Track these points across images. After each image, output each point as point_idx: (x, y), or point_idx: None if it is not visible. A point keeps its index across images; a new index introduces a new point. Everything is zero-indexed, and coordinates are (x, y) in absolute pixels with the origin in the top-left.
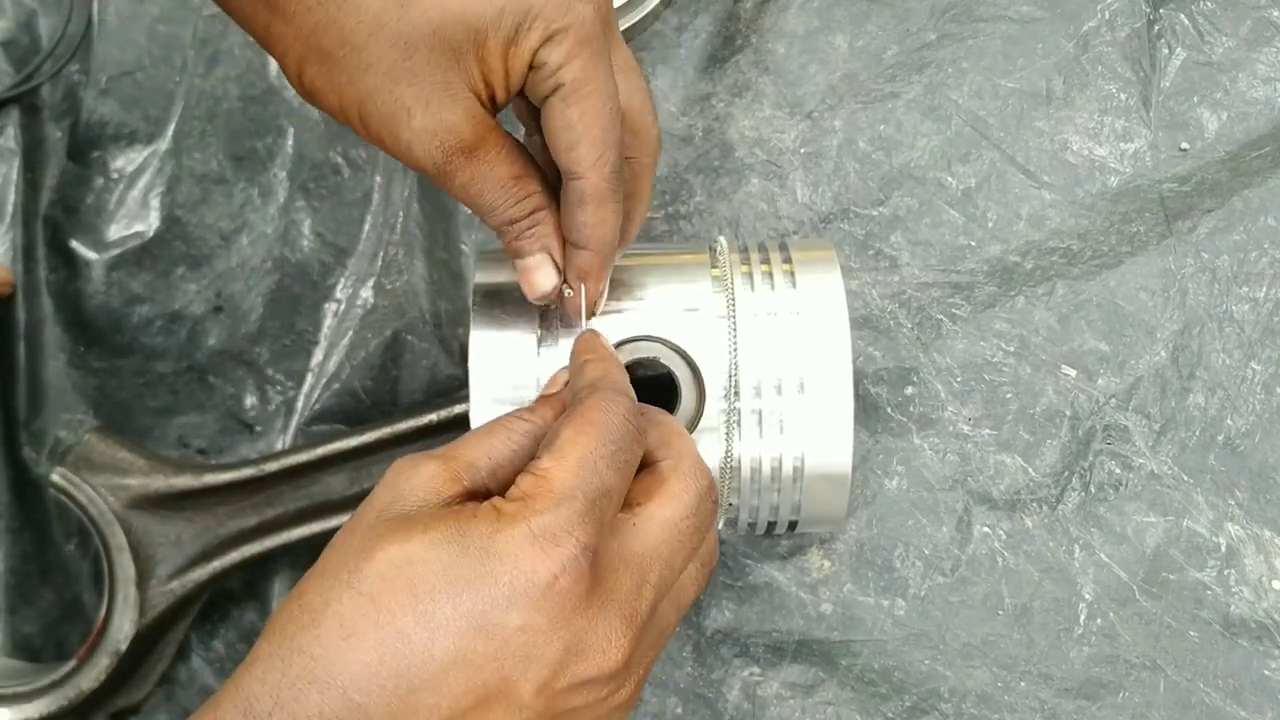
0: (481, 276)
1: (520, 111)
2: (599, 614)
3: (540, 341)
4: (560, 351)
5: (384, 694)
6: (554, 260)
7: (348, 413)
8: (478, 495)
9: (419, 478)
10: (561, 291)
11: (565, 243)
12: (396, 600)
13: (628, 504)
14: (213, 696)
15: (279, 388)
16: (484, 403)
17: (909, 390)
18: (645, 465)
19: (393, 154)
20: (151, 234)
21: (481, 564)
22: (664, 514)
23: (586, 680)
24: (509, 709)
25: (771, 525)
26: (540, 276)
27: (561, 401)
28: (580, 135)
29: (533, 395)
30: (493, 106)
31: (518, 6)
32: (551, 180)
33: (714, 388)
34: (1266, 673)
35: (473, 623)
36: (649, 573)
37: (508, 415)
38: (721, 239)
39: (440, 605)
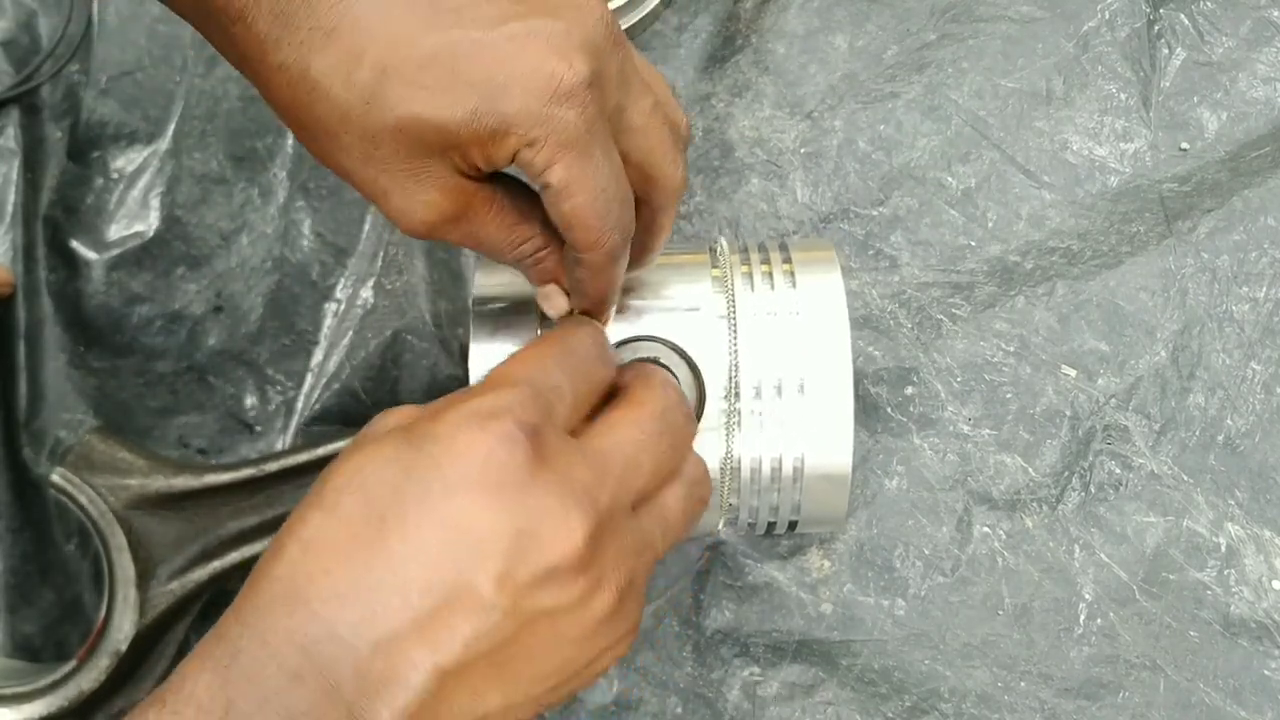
0: (481, 280)
1: None
2: (547, 493)
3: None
4: None
5: (346, 603)
6: (563, 288)
7: (348, 413)
8: None
9: (396, 412)
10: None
11: None
12: (351, 508)
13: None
14: None
15: (279, 388)
16: None
17: (909, 390)
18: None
19: None
20: (151, 234)
21: (421, 452)
22: (626, 415)
23: (548, 569)
24: (474, 607)
25: (771, 525)
26: (550, 305)
27: None
28: (575, 224)
29: None
30: (479, 172)
31: (489, 113)
32: None
33: (714, 388)
34: (1266, 673)
35: (421, 514)
36: (609, 465)
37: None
38: (722, 239)
39: (389, 503)
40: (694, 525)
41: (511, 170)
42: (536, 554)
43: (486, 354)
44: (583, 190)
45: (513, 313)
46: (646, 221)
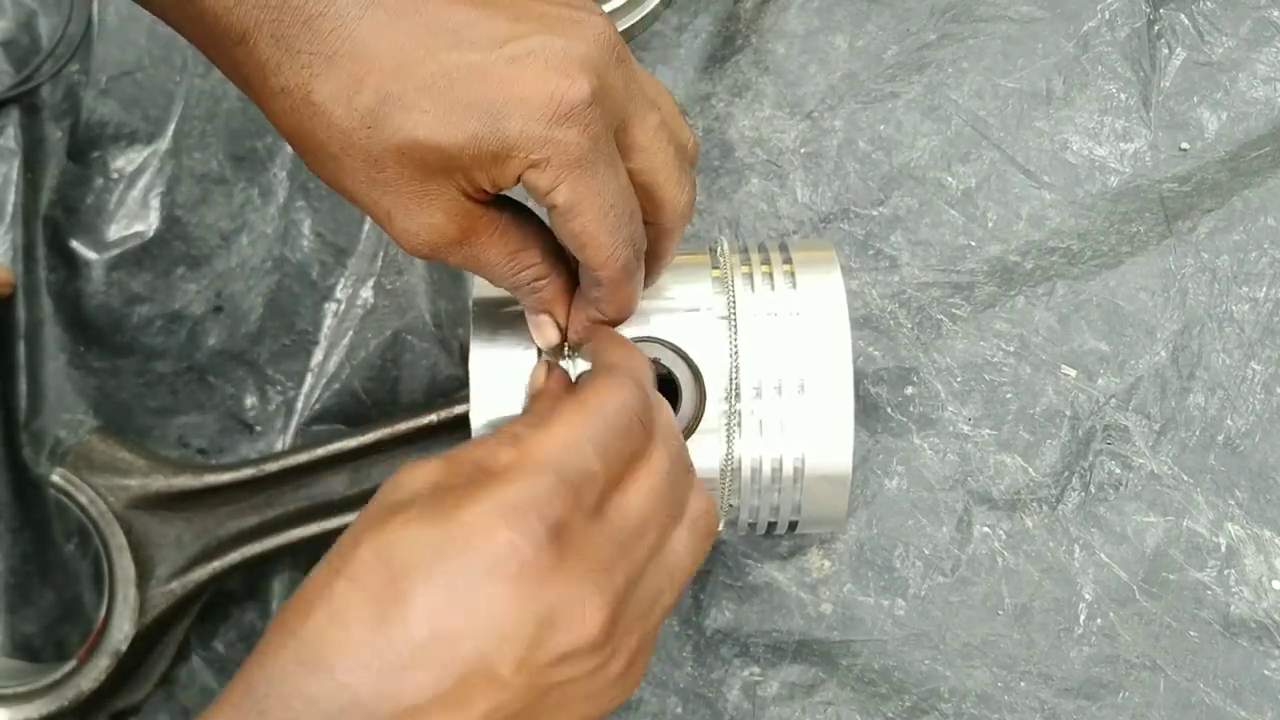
0: (480, 288)
1: None
2: (569, 582)
3: (540, 356)
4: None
5: (370, 674)
6: (555, 321)
7: (348, 413)
8: None
9: (420, 472)
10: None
11: (571, 301)
12: (378, 581)
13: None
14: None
15: (279, 388)
16: (485, 420)
17: (909, 390)
18: None
19: None
20: (151, 234)
21: (453, 536)
22: (641, 483)
23: (566, 653)
24: (491, 686)
25: (772, 525)
26: (541, 335)
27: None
28: (585, 243)
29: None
30: (483, 195)
31: (491, 136)
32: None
33: (714, 388)
34: (1266, 673)
35: (446, 597)
36: (626, 539)
37: (512, 418)
38: (722, 239)
39: (416, 581)
40: (701, 561)
41: (516, 193)
42: (555, 640)
43: (486, 355)
44: (591, 208)
45: (513, 313)
46: (651, 243)
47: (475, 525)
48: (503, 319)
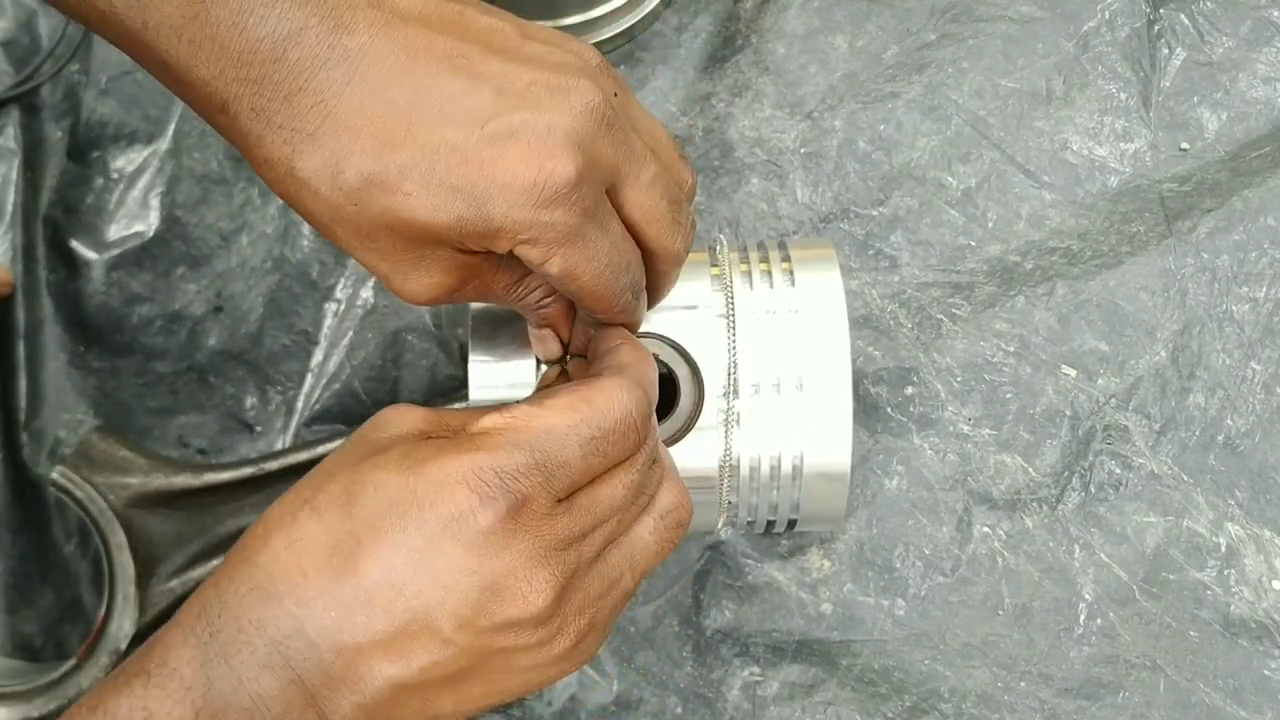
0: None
1: None
2: (518, 556)
3: (538, 366)
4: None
5: (317, 608)
6: (559, 336)
7: (348, 413)
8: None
9: (406, 417)
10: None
11: (574, 317)
12: (339, 519)
13: None
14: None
15: (279, 388)
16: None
17: (909, 390)
18: None
19: None
20: (151, 234)
21: (417, 488)
22: (611, 475)
23: (509, 622)
24: (433, 640)
25: (771, 524)
26: (543, 348)
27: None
28: (584, 298)
29: (533, 377)
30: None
31: (476, 219)
32: None
33: (713, 386)
34: (1266, 673)
35: (399, 547)
36: (587, 524)
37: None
38: (721, 238)
39: (375, 526)
40: (670, 551)
41: None
42: (498, 608)
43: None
44: (585, 272)
45: (512, 320)
46: (647, 279)
47: (440, 482)
48: (502, 323)
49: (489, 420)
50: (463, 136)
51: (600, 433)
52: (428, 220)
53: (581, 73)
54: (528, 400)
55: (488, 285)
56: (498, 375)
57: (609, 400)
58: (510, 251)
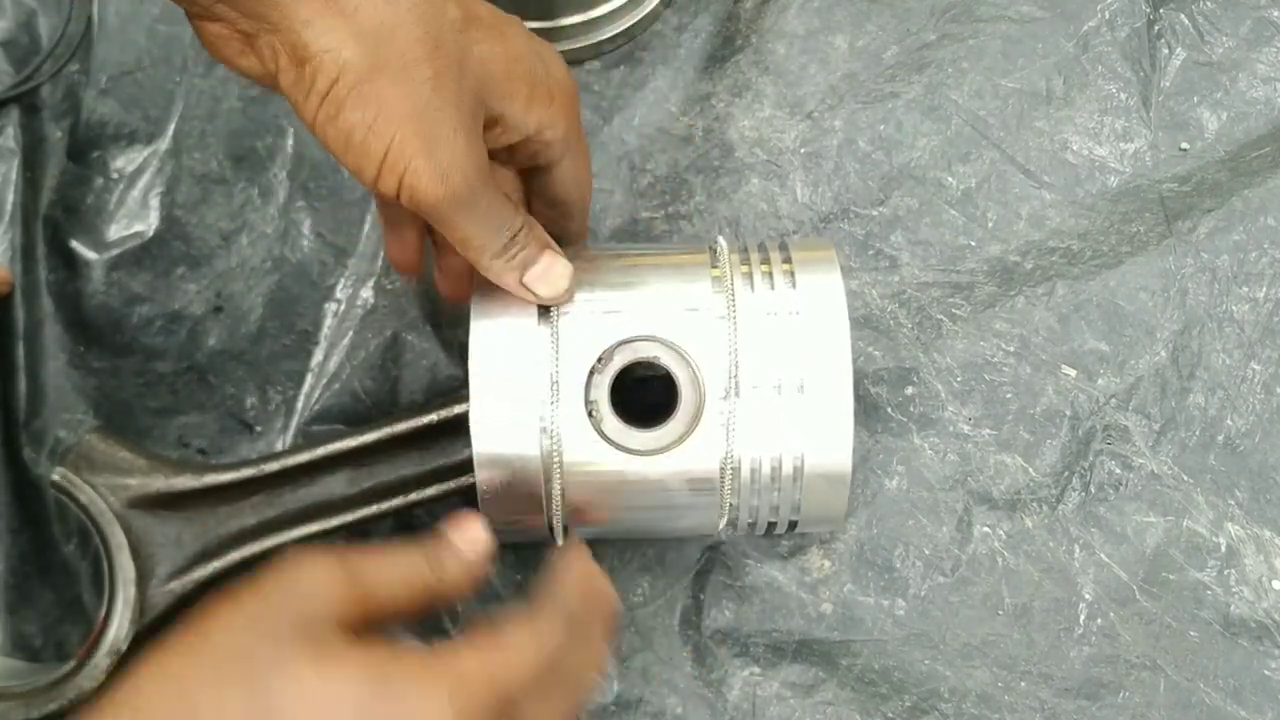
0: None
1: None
2: None
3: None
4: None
5: None
6: (558, 253)
7: (348, 413)
8: (373, 623)
9: (319, 582)
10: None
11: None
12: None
13: None
14: None
15: (279, 388)
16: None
17: (909, 390)
18: None
19: (413, 184)
20: (151, 234)
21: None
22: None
23: None
24: None
25: (771, 525)
26: (556, 274)
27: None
28: (572, 189)
29: (533, 377)
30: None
31: (524, 71)
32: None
33: (714, 387)
34: (1267, 672)
35: None
36: None
37: (411, 550)
38: (721, 239)
39: None
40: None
41: None
42: None
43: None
44: (585, 150)
45: (513, 313)
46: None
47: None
48: (503, 324)
49: (407, 665)
50: None
51: (553, 682)
52: (511, 60)
53: None
54: (448, 644)
55: (493, 196)
56: (498, 377)
57: (570, 654)
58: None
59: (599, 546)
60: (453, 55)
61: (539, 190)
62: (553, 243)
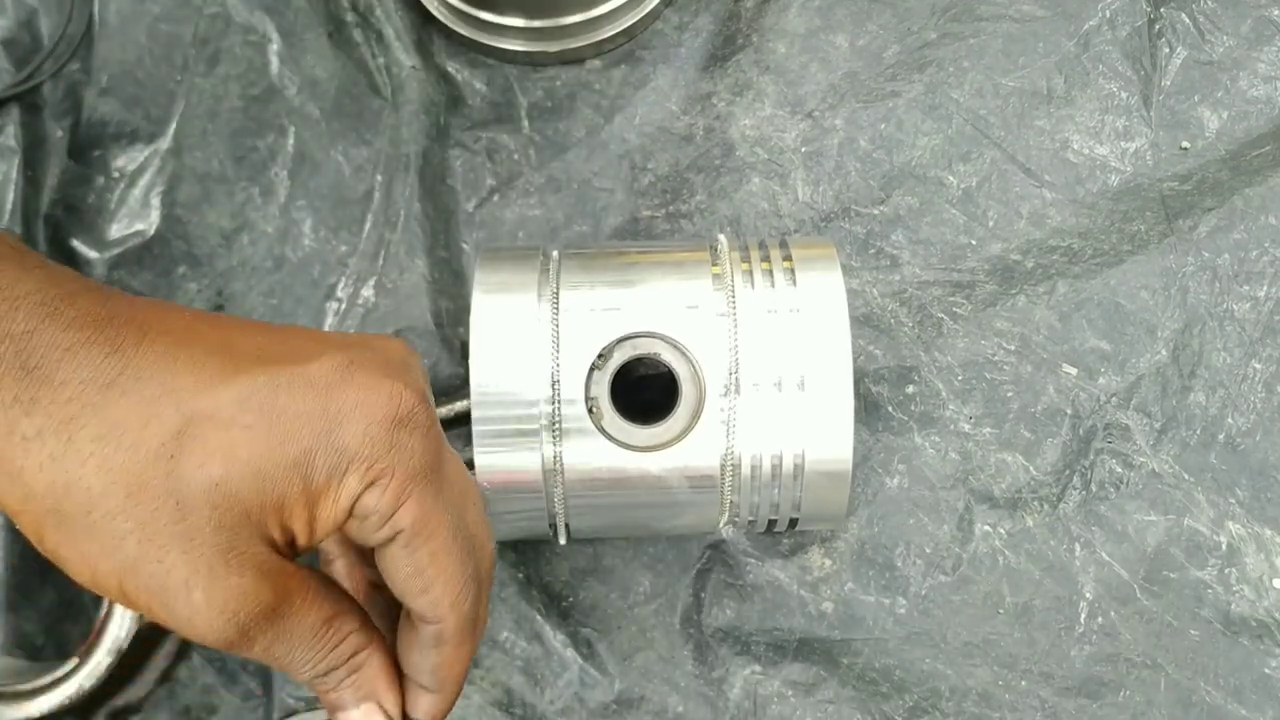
0: (482, 277)
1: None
2: None
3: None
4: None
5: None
6: (384, 710)
7: None
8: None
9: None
10: None
11: (401, 682)
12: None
13: None
14: None
15: None
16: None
17: (910, 389)
18: None
19: (168, 626)
20: (152, 233)
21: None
22: None
23: None
24: None
25: (772, 523)
26: None
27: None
28: (433, 578)
29: (533, 375)
30: (293, 550)
31: (328, 449)
32: (374, 604)
33: (714, 385)
34: (1267, 671)
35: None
36: None
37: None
38: (721, 237)
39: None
40: None
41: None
42: None
43: (487, 358)
44: (441, 528)
45: (516, 312)
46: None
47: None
48: (506, 324)
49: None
50: (299, 370)
51: None
52: (269, 460)
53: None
54: None
55: (299, 618)
56: (499, 375)
57: None
58: (318, 576)
59: (600, 545)
60: (162, 493)
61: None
62: (386, 694)
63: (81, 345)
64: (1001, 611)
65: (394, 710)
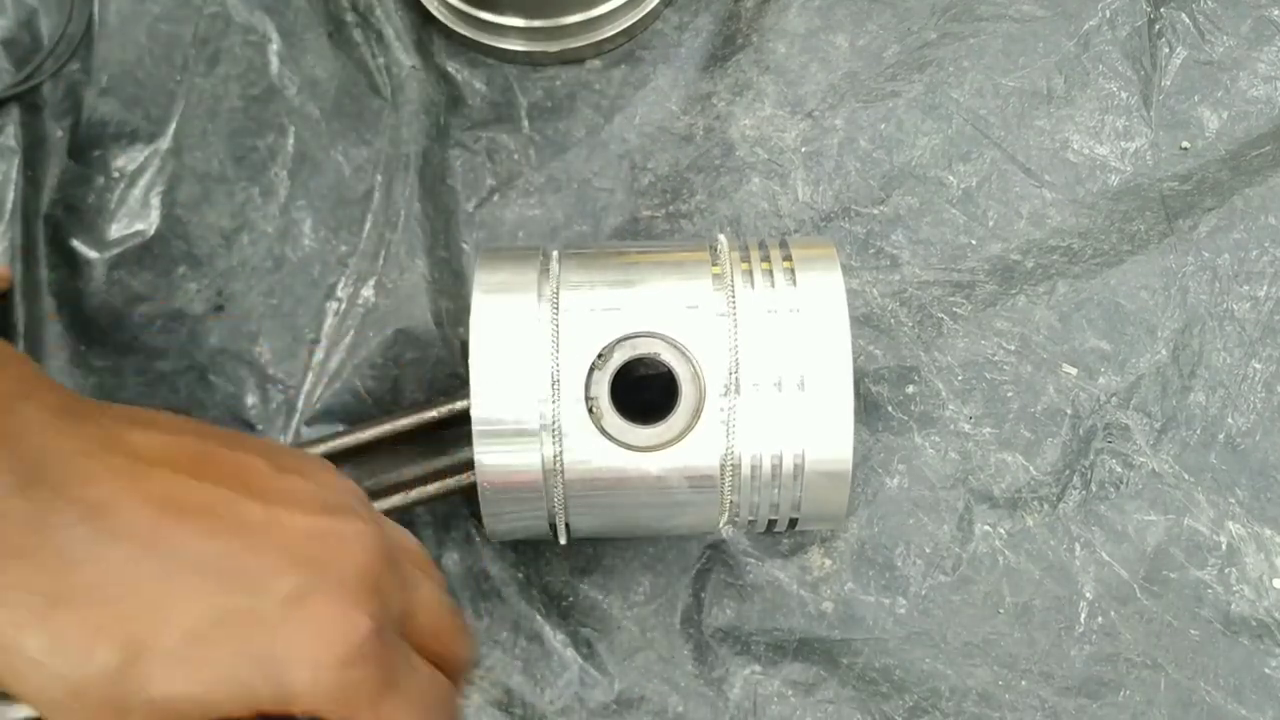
0: (482, 278)
1: None
2: None
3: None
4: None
5: None
6: None
7: (349, 412)
8: None
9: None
10: None
11: None
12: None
13: None
14: None
15: (280, 387)
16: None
17: (910, 389)
18: None
19: None
20: (152, 233)
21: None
22: None
23: None
24: None
25: (772, 523)
26: None
27: None
28: None
29: (533, 374)
30: None
31: (270, 690)
32: None
33: (714, 385)
34: (1267, 671)
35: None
36: None
37: None
38: (721, 237)
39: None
40: None
41: None
42: None
43: (487, 357)
44: None
45: (515, 312)
46: None
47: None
48: (505, 324)
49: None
50: (247, 600)
51: None
52: (212, 693)
53: (348, 510)
54: None
55: None
56: (499, 375)
57: None
58: None
59: (600, 545)
60: (104, 702)
61: None
62: None
63: (31, 552)
64: (1001, 611)
65: None
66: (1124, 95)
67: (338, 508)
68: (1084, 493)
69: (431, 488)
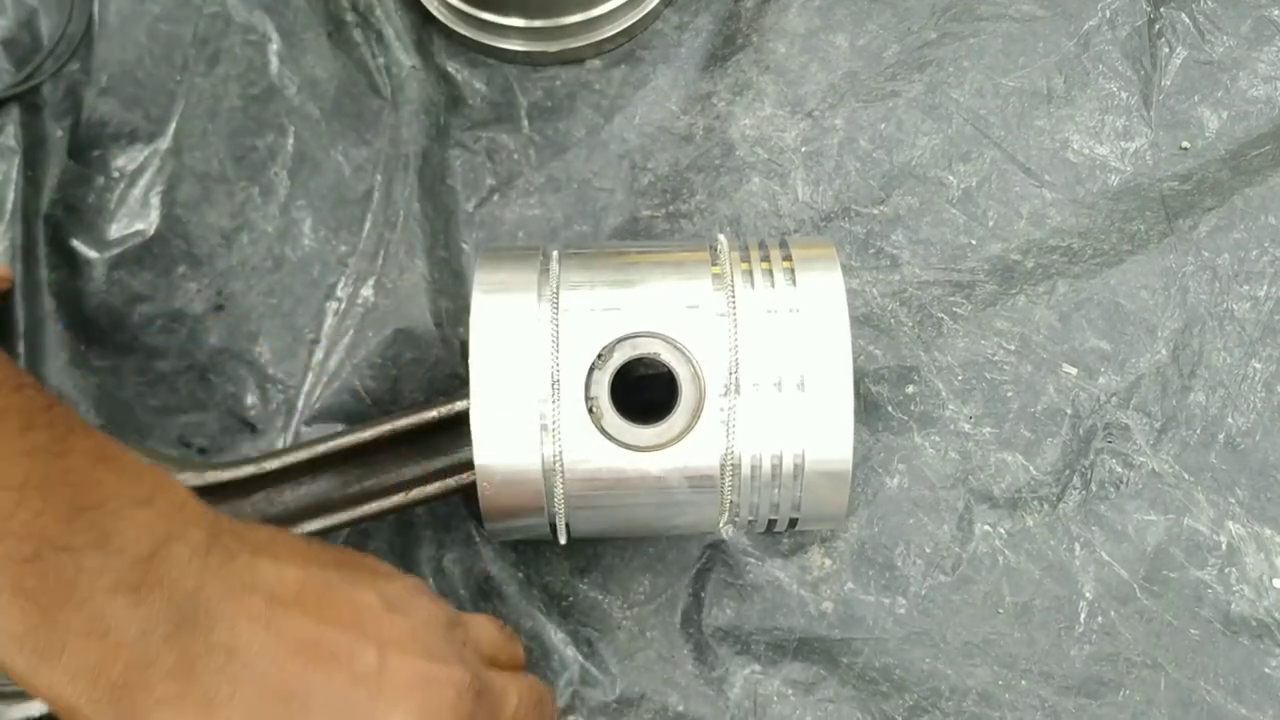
0: (482, 277)
1: None
2: None
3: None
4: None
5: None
6: None
7: (348, 411)
8: None
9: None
10: None
11: None
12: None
13: None
14: None
15: (279, 387)
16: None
17: (910, 389)
18: None
19: None
20: (152, 233)
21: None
22: None
23: None
24: None
25: (772, 523)
26: None
27: None
28: None
29: (533, 375)
30: None
31: None
32: None
33: (714, 385)
34: (1267, 670)
35: None
36: None
37: None
38: (721, 236)
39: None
40: None
41: None
42: None
43: (487, 357)
44: None
45: (515, 311)
46: None
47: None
48: (505, 324)
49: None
50: None
51: None
52: None
53: (446, 652)
54: None
55: None
56: (499, 375)
57: None
58: None
59: (600, 545)
60: None
61: None
62: None
63: (175, 699)
64: (1001, 611)
65: None
66: (1124, 95)
67: (436, 653)
68: (1084, 493)
69: (431, 488)
